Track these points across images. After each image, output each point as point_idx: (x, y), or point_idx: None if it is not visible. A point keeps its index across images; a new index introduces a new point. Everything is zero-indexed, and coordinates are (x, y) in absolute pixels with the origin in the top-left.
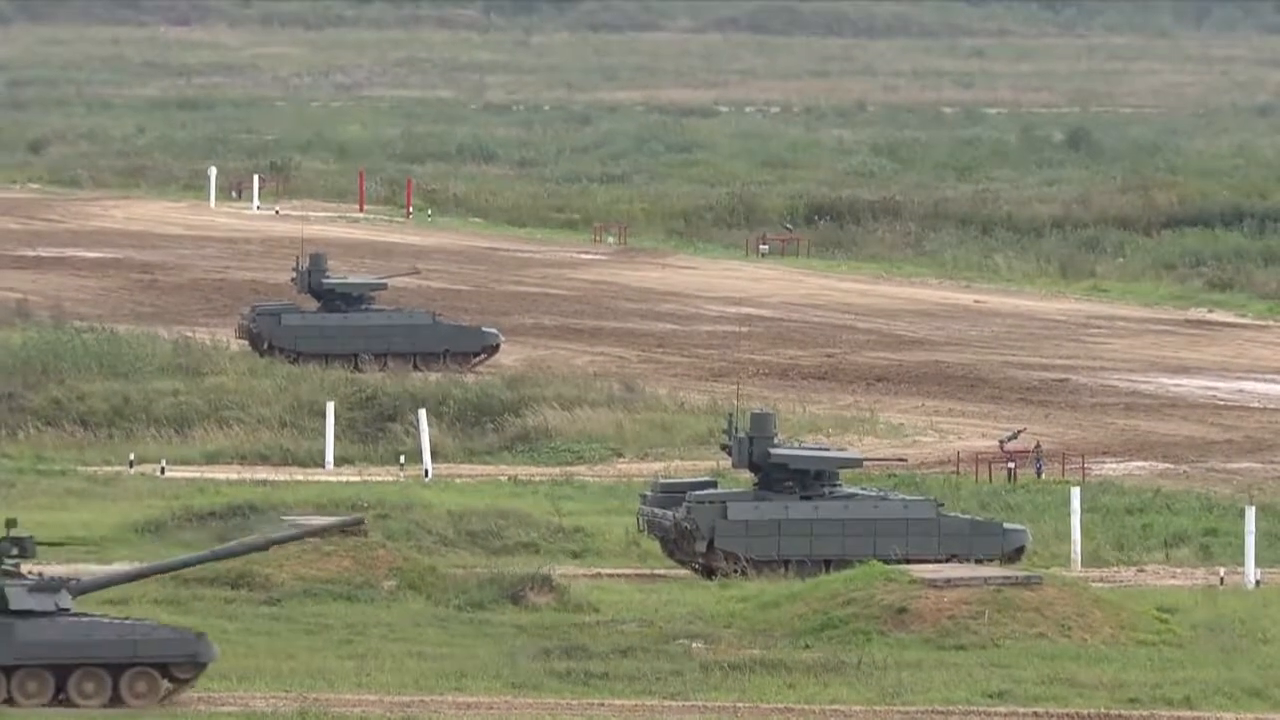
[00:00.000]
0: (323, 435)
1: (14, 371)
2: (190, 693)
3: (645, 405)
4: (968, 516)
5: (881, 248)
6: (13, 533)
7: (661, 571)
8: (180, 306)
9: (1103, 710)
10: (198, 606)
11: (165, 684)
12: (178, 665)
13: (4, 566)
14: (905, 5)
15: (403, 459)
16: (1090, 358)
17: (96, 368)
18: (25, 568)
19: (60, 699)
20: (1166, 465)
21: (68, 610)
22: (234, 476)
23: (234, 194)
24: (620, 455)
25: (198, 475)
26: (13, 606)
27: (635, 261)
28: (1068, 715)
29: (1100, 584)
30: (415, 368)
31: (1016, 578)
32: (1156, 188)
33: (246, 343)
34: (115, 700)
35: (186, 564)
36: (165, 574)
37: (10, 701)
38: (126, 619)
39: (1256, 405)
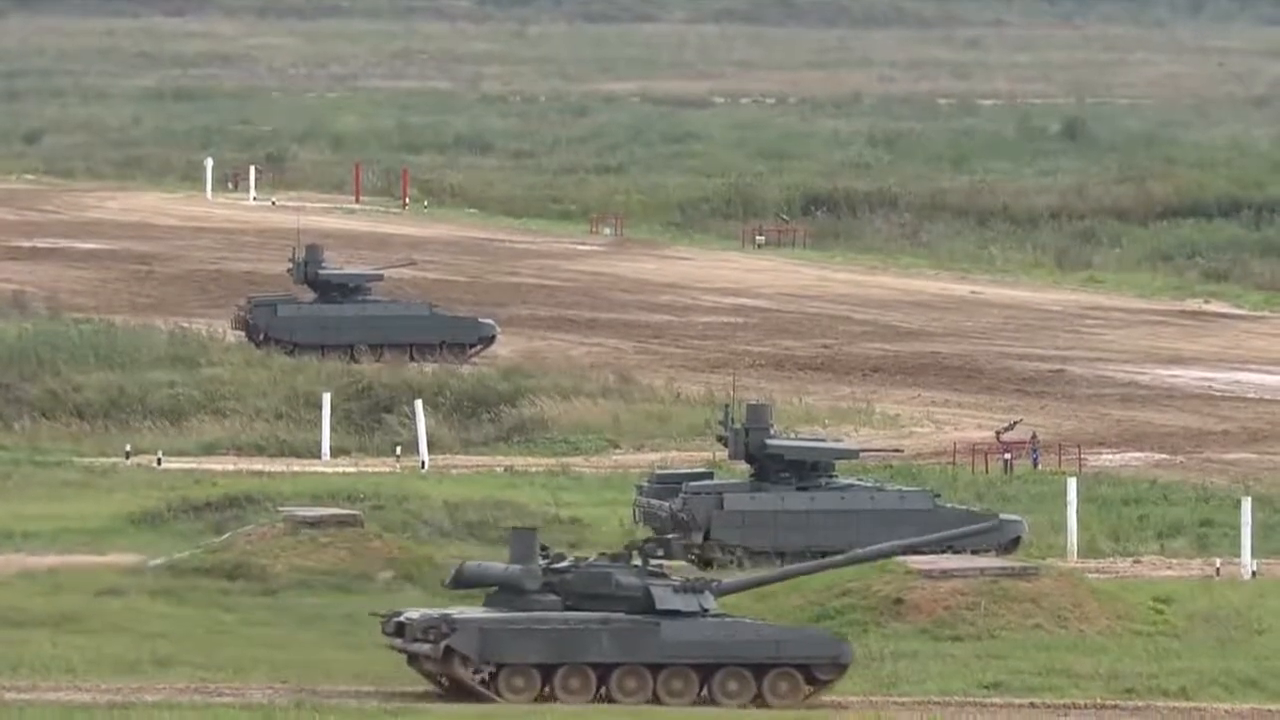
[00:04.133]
0: (319, 426)
1: (10, 363)
2: (184, 683)
3: (641, 396)
4: (964, 507)
5: (877, 239)
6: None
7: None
8: (176, 297)
9: (1099, 701)
10: (194, 597)
11: (805, 686)
12: (820, 667)
13: (650, 567)
14: None
15: (399, 450)
16: (1086, 348)
17: (92, 359)
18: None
19: (703, 698)
20: (1163, 456)
21: (710, 611)
22: (230, 468)
23: (230, 185)
24: (616, 446)
25: (194, 466)
26: (659, 607)
27: (631, 252)
28: (1064, 706)
29: (1096, 575)
30: (411, 359)
31: (1013, 569)
32: (1153, 179)
33: (243, 334)
34: (757, 700)
35: (825, 567)
36: (805, 575)
37: (655, 700)
38: (762, 619)
39: (1252, 396)
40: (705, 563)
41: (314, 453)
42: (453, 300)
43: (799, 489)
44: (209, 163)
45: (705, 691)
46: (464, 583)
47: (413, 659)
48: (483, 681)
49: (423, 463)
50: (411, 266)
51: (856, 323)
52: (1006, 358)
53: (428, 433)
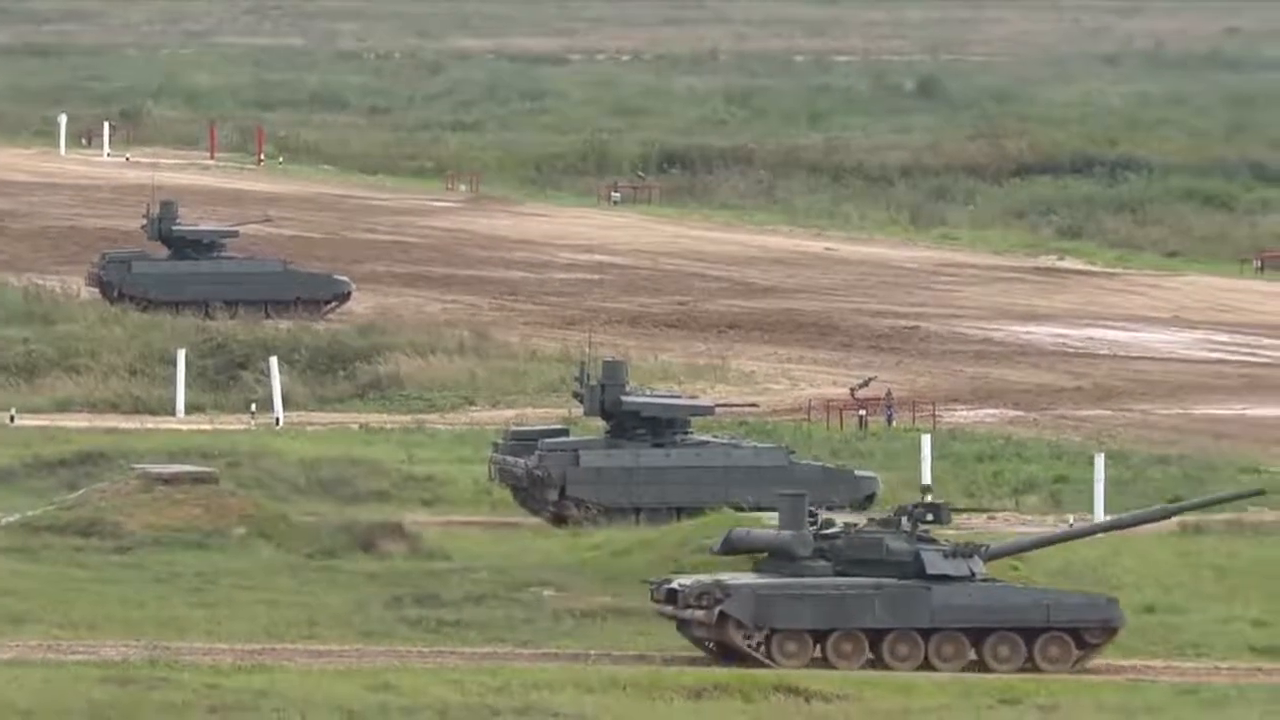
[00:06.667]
0: (173, 383)
1: None
2: (37, 641)
3: (497, 353)
4: (819, 463)
5: (733, 196)
6: (928, 499)
7: (513, 519)
8: (30, 254)
9: None
10: (47, 555)
11: (1076, 650)
12: (1090, 631)
13: (919, 532)
14: None
15: (254, 407)
16: (941, 305)
17: None
18: None
19: (974, 662)
20: (1016, 412)
21: (980, 575)
22: (84, 425)
23: (84, 141)
24: (472, 403)
25: (48, 424)
26: (930, 571)
27: (487, 209)
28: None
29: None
30: (266, 315)
31: None
32: (1007, 136)
33: (97, 290)
34: (1028, 665)
35: (1097, 530)
36: (1076, 539)
37: (927, 664)
38: (1024, 584)
39: (1105, 353)
40: (560, 520)
41: (168, 410)
42: (308, 257)
43: (654, 445)
44: (63, 119)
45: (976, 656)
46: (733, 548)
47: (683, 625)
48: (756, 646)
49: (277, 420)
50: (267, 223)
51: (712, 279)
52: (861, 314)
53: (283, 390)
